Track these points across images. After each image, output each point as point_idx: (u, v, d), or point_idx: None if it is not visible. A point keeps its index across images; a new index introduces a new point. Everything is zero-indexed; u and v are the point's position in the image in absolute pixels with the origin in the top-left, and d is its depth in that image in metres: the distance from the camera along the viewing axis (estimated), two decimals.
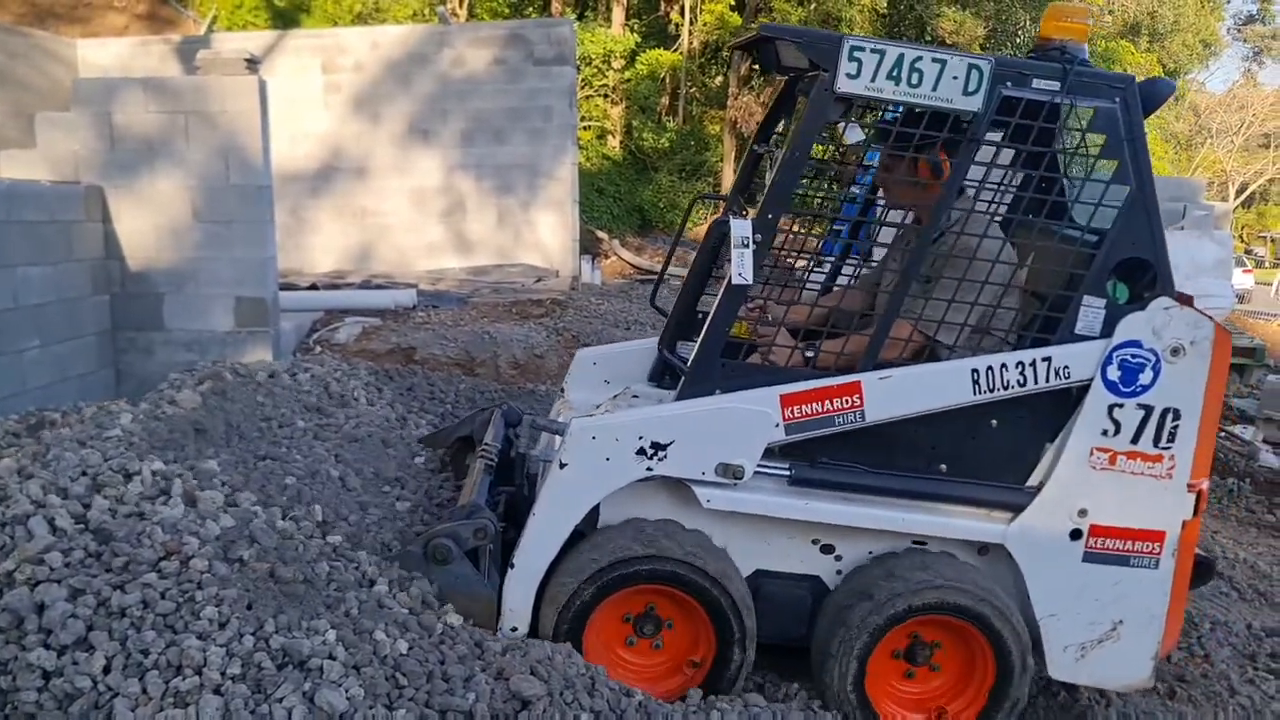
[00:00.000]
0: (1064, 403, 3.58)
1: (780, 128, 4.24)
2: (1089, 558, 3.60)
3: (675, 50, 22.63)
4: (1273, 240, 45.65)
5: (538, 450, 3.84)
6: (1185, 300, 3.53)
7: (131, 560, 2.68)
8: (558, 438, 3.57)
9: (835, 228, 4.67)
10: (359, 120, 13.50)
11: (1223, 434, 8.64)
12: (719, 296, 3.48)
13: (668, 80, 23.00)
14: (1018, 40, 20.32)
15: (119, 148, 6.69)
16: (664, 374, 4.31)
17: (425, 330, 8.72)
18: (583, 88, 20.57)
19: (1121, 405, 3.52)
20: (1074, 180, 3.63)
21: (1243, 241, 44.49)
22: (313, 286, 10.83)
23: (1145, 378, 3.52)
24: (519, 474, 4.06)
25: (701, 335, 3.53)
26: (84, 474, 3.21)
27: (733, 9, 21.93)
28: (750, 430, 3.45)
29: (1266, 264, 42.11)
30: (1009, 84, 3.35)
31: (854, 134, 3.51)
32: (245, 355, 6.85)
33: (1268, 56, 39.03)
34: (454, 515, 3.51)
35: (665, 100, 23.53)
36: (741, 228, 3.36)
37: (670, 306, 4.43)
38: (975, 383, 3.50)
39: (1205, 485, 3.62)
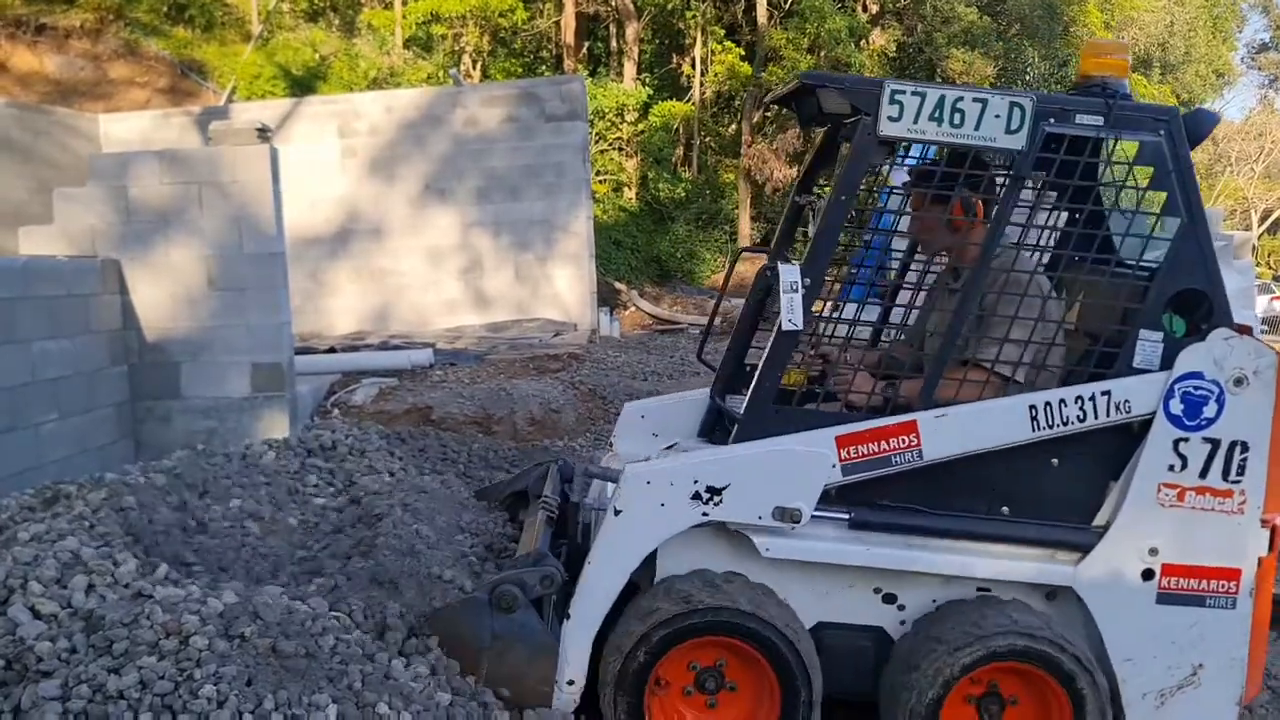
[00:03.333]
0: (1126, 439, 3.48)
1: (822, 179, 4.25)
2: (1163, 599, 3.47)
3: (688, 101, 22.87)
4: None
5: (590, 499, 3.80)
6: (1244, 330, 3.45)
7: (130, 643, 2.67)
8: (610, 485, 3.51)
9: (859, 273, 4.60)
10: (375, 182, 13.67)
11: None
12: (770, 342, 3.45)
13: (681, 131, 23.22)
14: (1027, 78, 20.40)
15: (134, 220, 6.80)
16: (714, 429, 4.23)
17: (442, 389, 8.74)
18: (597, 141, 20.79)
19: (1187, 439, 3.42)
20: (1124, 214, 3.54)
21: (1270, 268, 44.09)
22: (331, 349, 10.90)
23: (1210, 410, 3.42)
24: (572, 524, 4.01)
25: (754, 382, 3.49)
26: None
27: (743, 59, 22.17)
28: (807, 472, 3.38)
29: None
30: (1052, 120, 3.33)
31: (900, 176, 3.65)
32: (262, 420, 6.88)
33: None
34: (519, 563, 3.44)
35: (680, 151, 23.74)
36: (790, 273, 3.35)
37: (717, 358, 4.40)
38: (1034, 419, 3.42)
39: (1278, 520, 3.50)
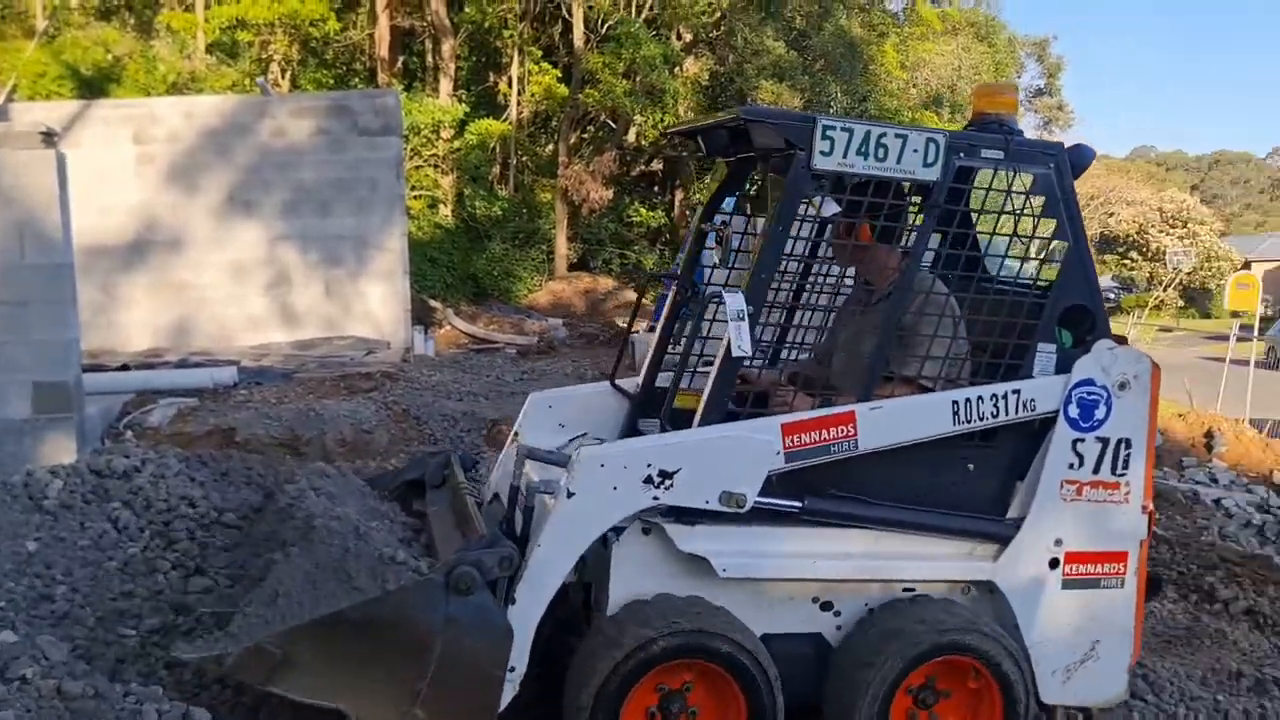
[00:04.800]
0: (1031, 439, 3.83)
1: (725, 206, 4.40)
2: (1067, 584, 3.83)
3: (505, 120, 22.79)
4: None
5: (521, 484, 3.66)
6: (1120, 340, 3.86)
7: None
8: (556, 469, 3.52)
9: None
10: (174, 191, 13.00)
11: None
12: (716, 367, 3.58)
13: (498, 150, 23.11)
14: (831, 110, 21.34)
15: None
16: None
17: (247, 409, 8.38)
18: (412, 157, 20.44)
19: (1083, 439, 3.80)
20: (1021, 239, 3.89)
21: None
22: (124, 367, 10.27)
23: (1100, 413, 3.81)
24: (509, 509, 3.84)
25: (702, 406, 3.59)
26: None
27: (560, 81, 22.30)
28: (753, 458, 3.51)
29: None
30: (961, 154, 3.63)
31: (830, 207, 3.79)
32: (45, 444, 6.41)
33: (1056, 126, 42.25)
34: (474, 545, 3.30)
35: (496, 169, 23.62)
36: (735, 302, 3.46)
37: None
38: (955, 414, 3.69)
39: (1152, 506, 3.91)
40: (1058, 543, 3.81)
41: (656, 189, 27.66)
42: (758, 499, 3.52)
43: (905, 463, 3.71)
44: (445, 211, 22.25)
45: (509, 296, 21.16)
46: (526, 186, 23.99)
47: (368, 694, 2.98)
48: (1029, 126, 38.96)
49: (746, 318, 3.48)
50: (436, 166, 21.88)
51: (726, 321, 3.50)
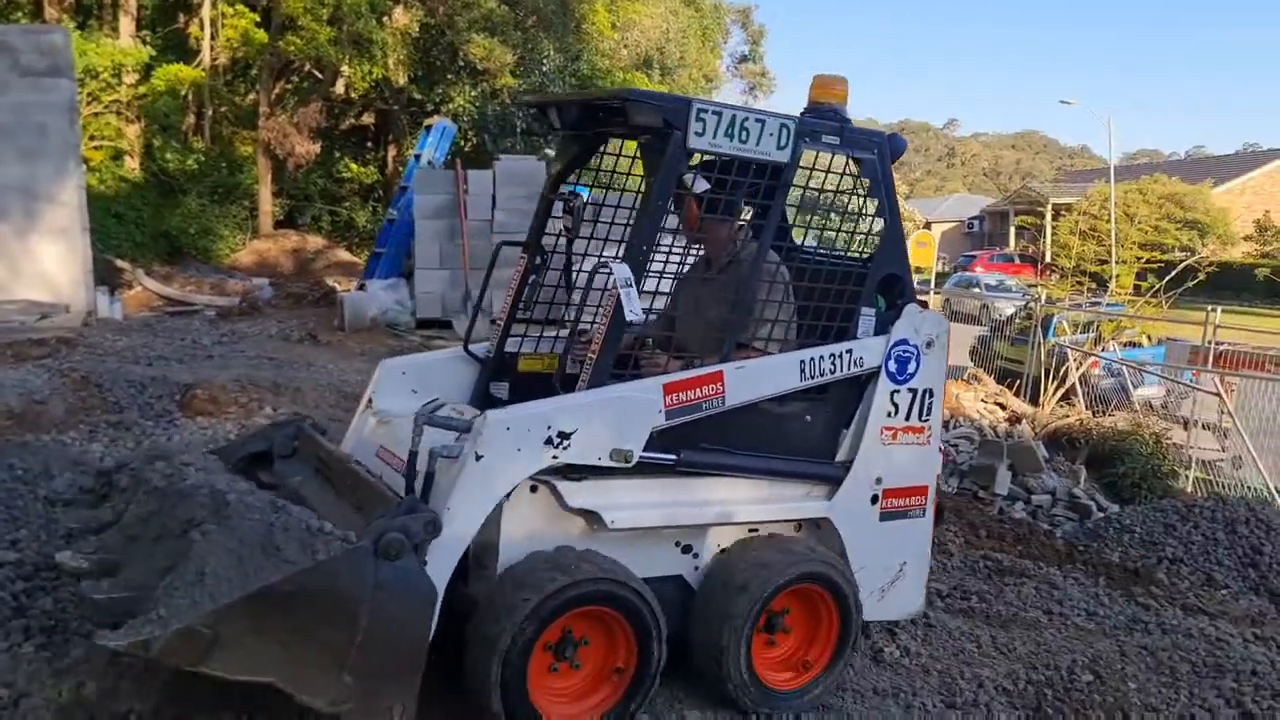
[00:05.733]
0: (854, 391, 4.37)
1: (573, 178, 4.70)
2: (884, 517, 4.44)
3: (197, 66, 21.16)
4: None
5: (420, 448, 3.63)
6: (923, 304, 4.44)
7: None
8: (449, 434, 3.63)
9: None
10: None
11: None
12: (605, 332, 3.80)
13: (191, 98, 21.48)
14: (544, 68, 21.43)
15: None
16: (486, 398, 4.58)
17: None
18: (90, 103, 18.62)
19: (899, 390, 4.41)
20: (849, 216, 4.57)
21: None
22: None
23: (912, 367, 4.43)
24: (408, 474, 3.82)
25: (591, 369, 3.80)
26: None
27: (258, 25, 20.96)
28: (640, 416, 3.81)
29: None
30: (806, 139, 4.04)
31: (700, 184, 4.15)
32: None
33: (760, 92, 44.35)
34: (394, 512, 3.33)
35: (191, 119, 21.97)
36: (623, 270, 3.75)
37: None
38: (802, 370, 4.16)
39: (943, 445, 4.43)
40: (878, 481, 4.40)
41: (370, 144, 26.75)
42: (641, 454, 3.81)
43: (757, 416, 4.13)
44: (132, 164, 20.49)
45: (209, 256, 19.86)
46: (225, 139, 22.50)
47: (298, 664, 2.99)
48: (734, 92, 40.73)
49: (632, 284, 3.75)
50: (120, 114, 20.06)
51: (603, 290, 3.82)
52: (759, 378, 4.09)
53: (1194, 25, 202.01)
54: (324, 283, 17.38)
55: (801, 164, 4.09)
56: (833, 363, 4.23)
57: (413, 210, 13.66)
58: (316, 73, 22.32)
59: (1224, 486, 10.42)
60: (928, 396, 4.49)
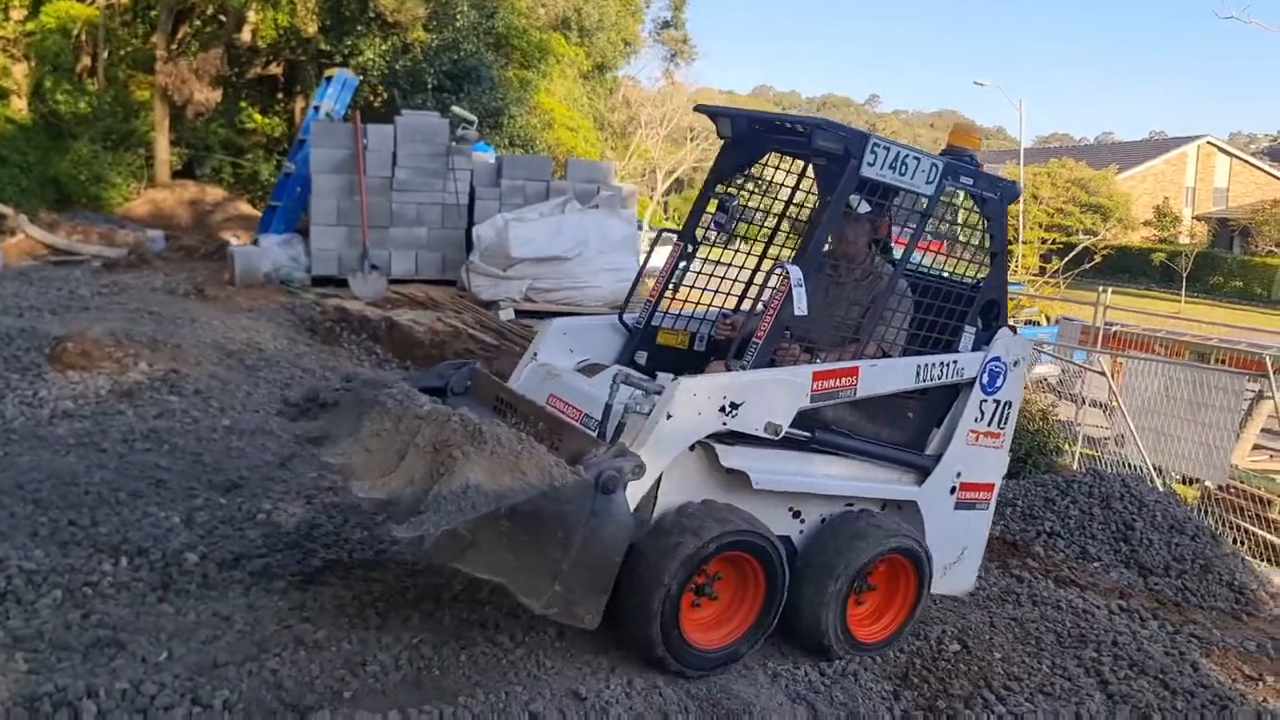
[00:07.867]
0: (948, 396, 5.04)
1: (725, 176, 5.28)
2: (958, 506, 5.12)
3: (91, 3, 20.15)
4: None
5: (615, 402, 4.33)
6: (1013, 329, 5.29)
7: None
8: (639, 392, 4.31)
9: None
10: None
11: None
12: (771, 321, 4.40)
13: (85, 38, 20.45)
14: (458, 24, 20.86)
15: None
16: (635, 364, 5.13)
17: None
18: None
19: (986, 400, 5.08)
20: (969, 248, 5.32)
21: (676, 222, 50.19)
22: None
23: (1000, 382, 5.11)
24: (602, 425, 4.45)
25: (757, 351, 4.39)
26: None
27: None
28: (792, 398, 4.40)
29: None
30: (949, 179, 4.70)
31: (864, 206, 4.81)
32: None
33: (681, 59, 44.14)
34: (607, 453, 3.96)
35: (85, 60, 20.91)
36: (796, 272, 4.39)
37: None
38: (918, 374, 4.83)
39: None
40: (958, 475, 5.07)
41: (279, 95, 25.85)
42: (788, 429, 4.40)
43: (875, 407, 4.76)
44: (19, 105, 19.48)
45: (100, 204, 18.97)
46: (120, 82, 21.45)
47: (525, 571, 3.65)
48: (656, 58, 40.43)
49: (803, 284, 4.35)
50: (5, 51, 19.04)
51: (774, 288, 4.52)
52: (885, 375, 4.72)
53: (1115, 10, 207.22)
54: (218, 236, 16.77)
55: (940, 198, 4.74)
56: (941, 370, 4.89)
57: (309, 164, 13.14)
58: (221, 17, 21.45)
59: (1106, 464, 10.71)
60: (1008, 408, 5.17)
